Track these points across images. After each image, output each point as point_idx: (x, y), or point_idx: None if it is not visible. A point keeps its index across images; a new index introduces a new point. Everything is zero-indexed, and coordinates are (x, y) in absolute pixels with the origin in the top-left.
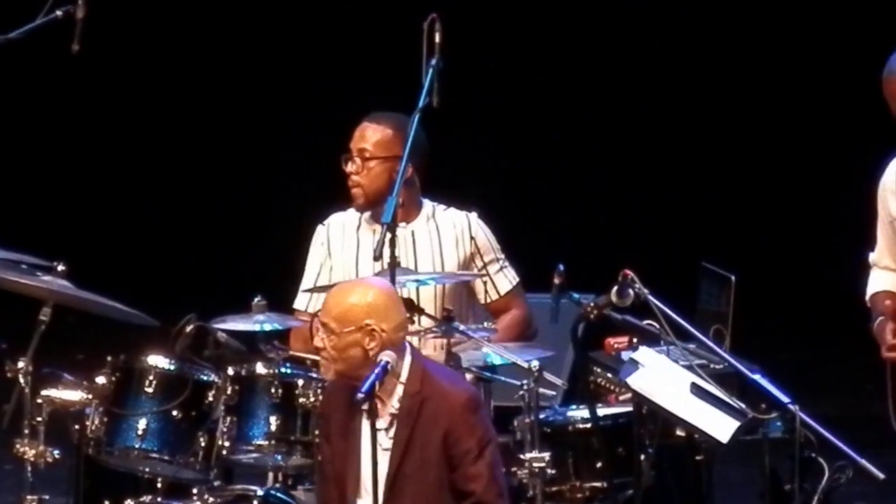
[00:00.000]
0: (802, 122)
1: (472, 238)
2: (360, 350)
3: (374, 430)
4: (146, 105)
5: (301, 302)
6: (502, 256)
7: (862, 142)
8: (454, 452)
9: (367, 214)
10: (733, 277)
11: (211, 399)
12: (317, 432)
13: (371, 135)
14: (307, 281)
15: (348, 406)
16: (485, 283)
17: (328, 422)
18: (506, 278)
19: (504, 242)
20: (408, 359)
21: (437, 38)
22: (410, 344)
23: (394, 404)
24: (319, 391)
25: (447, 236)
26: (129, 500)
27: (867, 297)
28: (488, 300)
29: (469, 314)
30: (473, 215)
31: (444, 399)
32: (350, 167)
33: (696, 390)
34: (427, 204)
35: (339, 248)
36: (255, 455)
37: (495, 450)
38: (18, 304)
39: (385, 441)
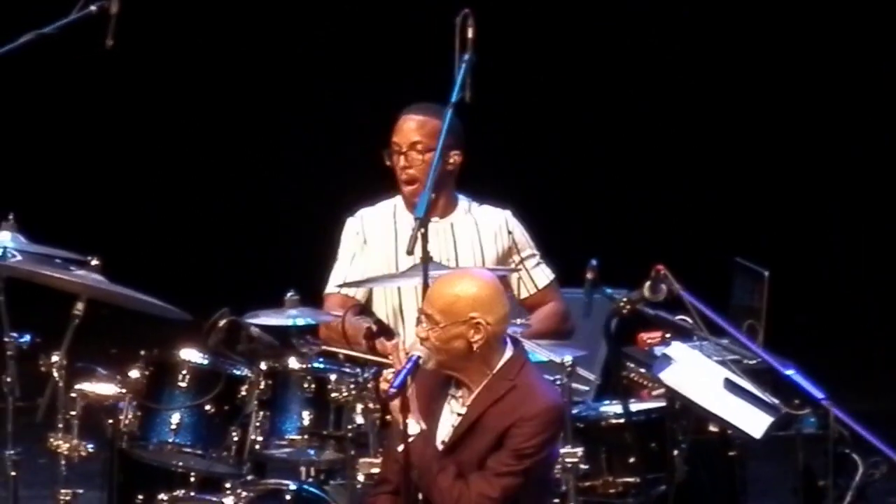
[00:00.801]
0: (837, 117)
1: (509, 233)
2: (464, 342)
3: (405, 429)
4: (179, 100)
5: (334, 284)
6: (538, 252)
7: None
8: (506, 443)
9: (400, 204)
10: (767, 273)
11: (244, 393)
12: (351, 427)
13: (420, 126)
14: (340, 267)
15: (431, 389)
16: (520, 278)
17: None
18: (543, 273)
19: (537, 238)
20: (507, 353)
21: (470, 33)
22: (513, 338)
23: (479, 389)
24: (352, 386)
25: (486, 230)
26: (162, 494)
27: None
28: (525, 294)
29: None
30: (509, 212)
31: (531, 395)
32: (402, 161)
33: (730, 386)
34: (463, 199)
35: (379, 237)
36: (287, 449)
37: (531, 467)
38: (52, 298)
39: (457, 407)
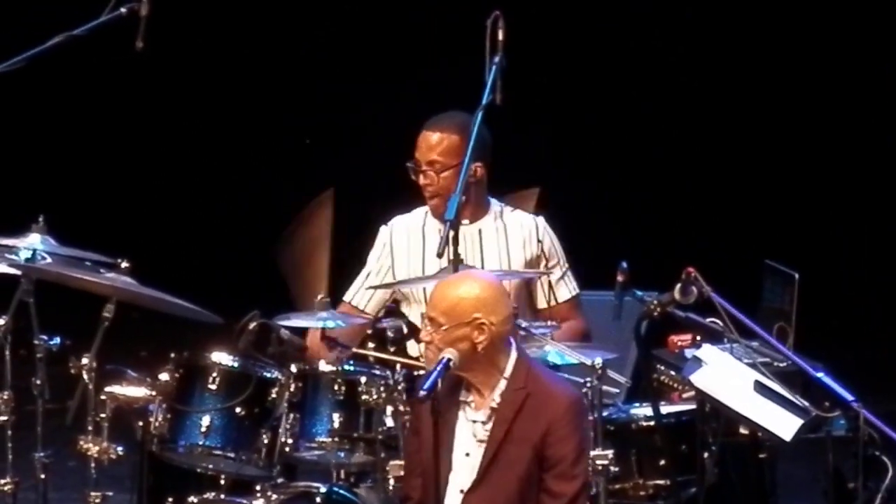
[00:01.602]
0: (866, 120)
1: (538, 241)
2: (468, 344)
3: (436, 428)
4: (211, 104)
5: (349, 294)
6: (566, 265)
7: None
8: (551, 453)
9: (430, 213)
10: (797, 275)
11: (274, 396)
12: (381, 430)
13: (437, 143)
14: (360, 277)
15: (444, 398)
16: (541, 287)
17: (419, 415)
18: (566, 287)
19: (568, 241)
20: (513, 354)
21: (500, 36)
22: (515, 339)
23: (495, 398)
24: (382, 388)
25: (514, 236)
26: (192, 497)
27: None
28: (542, 305)
29: (530, 317)
30: (541, 219)
31: (550, 398)
32: (422, 180)
33: (760, 388)
34: (495, 204)
35: (405, 248)
36: (318, 452)
37: (588, 457)
38: (83, 301)
39: (481, 432)
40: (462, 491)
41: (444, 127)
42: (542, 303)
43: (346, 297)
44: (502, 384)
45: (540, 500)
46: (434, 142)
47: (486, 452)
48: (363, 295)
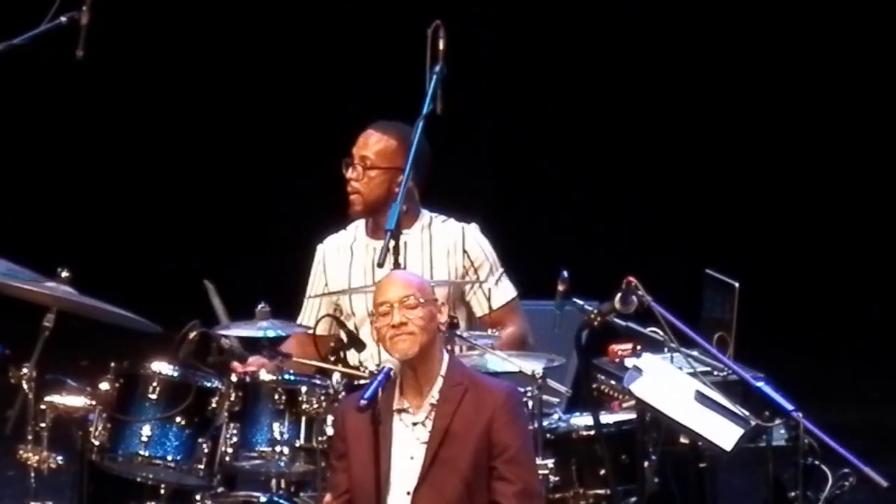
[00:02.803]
0: (806, 129)
1: (464, 252)
2: (436, 324)
3: (376, 436)
4: (149, 111)
5: (300, 318)
6: (500, 269)
7: (869, 149)
8: (498, 439)
9: (361, 228)
10: (737, 285)
11: (214, 405)
12: (321, 439)
13: (374, 143)
14: (305, 299)
15: (379, 417)
16: (476, 296)
17: (344, 437)
18: (502, 291)
19: (507, 249)
20: (445, 355)
21: (441, 45)
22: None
23: (434, 394)
24: (323, 398)
25: (439, 248)
26: None
27: None
28: (480, 313)
29: (467, 327)
30: (471, 227)
31: (487, 391)
32: (350, 173)
33: (700, 398)
34: (425, 214)
35: (334, 266)
36: (258, 461)
37: (532, 448)
38: (22, 310)
39: (423, 434)
40: (409, 493)
41: (385, 130)
42: (479, 310)
43: (298, 320)
44: (440, 381)
45: (494, 488)
46: (371, 140)
47: (429, 448)
48: (311, 312)
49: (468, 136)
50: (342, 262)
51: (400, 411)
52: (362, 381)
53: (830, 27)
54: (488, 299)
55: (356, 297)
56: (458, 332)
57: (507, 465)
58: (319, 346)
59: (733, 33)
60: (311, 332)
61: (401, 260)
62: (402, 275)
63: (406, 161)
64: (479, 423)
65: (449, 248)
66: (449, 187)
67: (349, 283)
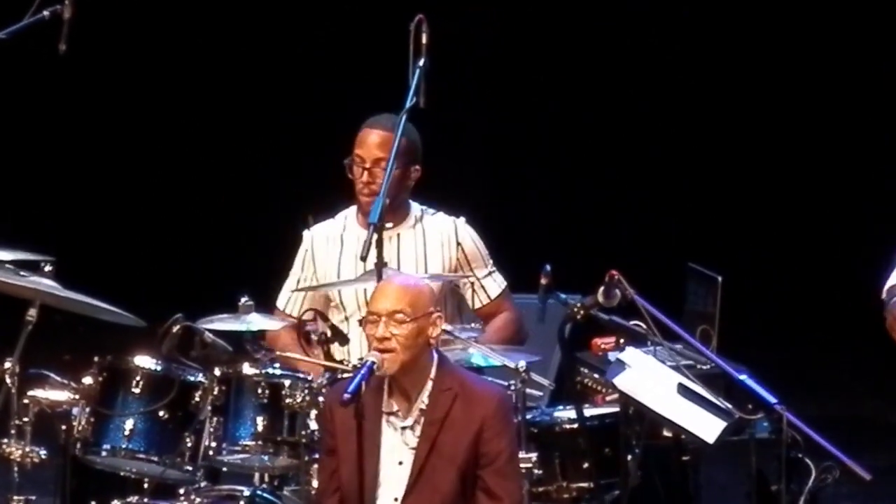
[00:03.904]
0: (787, 121)
1: (458, 244)
2: (425, 338)
3: (360, 432)
4: (135, 104)
5: (281, 301)
6: (490, 262)
7: (849, 141)
8: (487, 449)
9: (351, 218)
10: (720, 278)
11: (198, 399)
12: (305, 434)
13: (384, 142)
14: (290, 282)
15: (366, 408)
16: (473, 289)
17: (333, 432)
18: (494, 283)
19: (491, 243)
20: (435, 356)
21: (424, 39)
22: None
23: (423, 400)
24: (307, 392)
25: (433, 241)
26: (115, 501)
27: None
28: (478, 305)
29: (457, 320)
30: (461, 221)
31: (479, 397)
32: (366, 177)
33: (683, 391)
34: (415, 208)
35: (323, 255)
36: (241, 456)
37: (518, 455)
38: (5, 304)
39: (412, 439)
40: (396, 499)
41: (385, 125)
42: (477, 303)
43: (279, 305)
44: (429, 385)
45: (478, 499)
46: (381, 140)
47: (418, 455)
48: (295, 301)
49: (453, 131)
50: (332, 251)
51: (389, 414)
52: (346, 376)
53: (814, 22)
54: (485, 291)
55: (346, 290)
56: (444, 327)
57: (495, 478)
58: (302, 335)
59: (720, 24)
60: (294, 322)
61: (395, 254)
62: (398, 285)
63: (412, 153)
64: (471, 430)
65: (443, 241)
66: (434, 181)
67: (338, 275)
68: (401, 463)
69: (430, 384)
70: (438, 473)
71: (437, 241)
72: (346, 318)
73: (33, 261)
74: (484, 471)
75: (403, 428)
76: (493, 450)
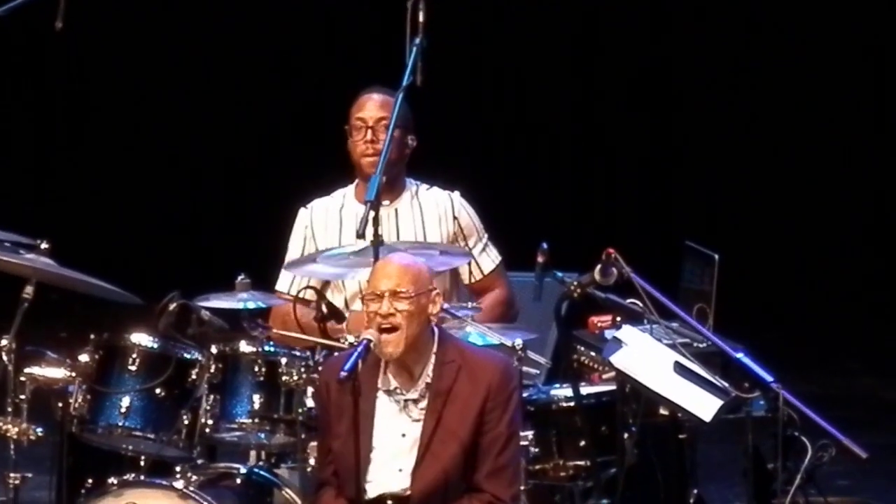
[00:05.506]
0: (784, 99)
1: (455, 218)
2: (426, 315)
3: (356, 409)
4: (131, 84)
5: (283, 283)
6: (485, 236)
7: (846, 119)
8: (491, 417)
9: (349, 195)
10: (717, 256)
11: (194, 377)
12: (301, 411)
13: (385, 103)
14: (287, 265)
15: (359, 389)
16: (468, 262)
17: (327, 408)
18: (489, 258)
19: (487, 221)
20: (436, 330)
21: (421, 17)
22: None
23: (428, 373)
24: (303, 369)
25: (430, 215)
26: (112, 478)
27: None
28: (472, 280)
29: (453, 295)
30: (456, 194)
31: (483, 365)
32: (369, 135)
33: (680, 369)
34: (410, 183)
35: (323, 230)
36: (238, 433)
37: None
38: (2, 281)
39: (415, 411)
40: (401, 470)
41: (384, 91)
42: (468, 278)
43: (282, 289)
44: (432, 359)
45: (477, 473)
46: (381, 101)
47: (425, 428)
48: (295, 284)
49: (449, 107)
50: (332, 227)
51: (388, 392)
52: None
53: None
54: (479, 265)
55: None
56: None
57: (491, 443)
58: (301, 316)
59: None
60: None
61: (393, 229)
62: (399, 264)
63: (409, 123)
64: (474, 404)
65: (440, 214)
66: (429, 157)
67: None
68: (404, 435)
69: (433, 358)
70: (445, 444)
71: (434, 215)
72: (346, 302)
73: (29, 244)
74: (484, 437)
75: (406, 401)
76: (494, 417)
